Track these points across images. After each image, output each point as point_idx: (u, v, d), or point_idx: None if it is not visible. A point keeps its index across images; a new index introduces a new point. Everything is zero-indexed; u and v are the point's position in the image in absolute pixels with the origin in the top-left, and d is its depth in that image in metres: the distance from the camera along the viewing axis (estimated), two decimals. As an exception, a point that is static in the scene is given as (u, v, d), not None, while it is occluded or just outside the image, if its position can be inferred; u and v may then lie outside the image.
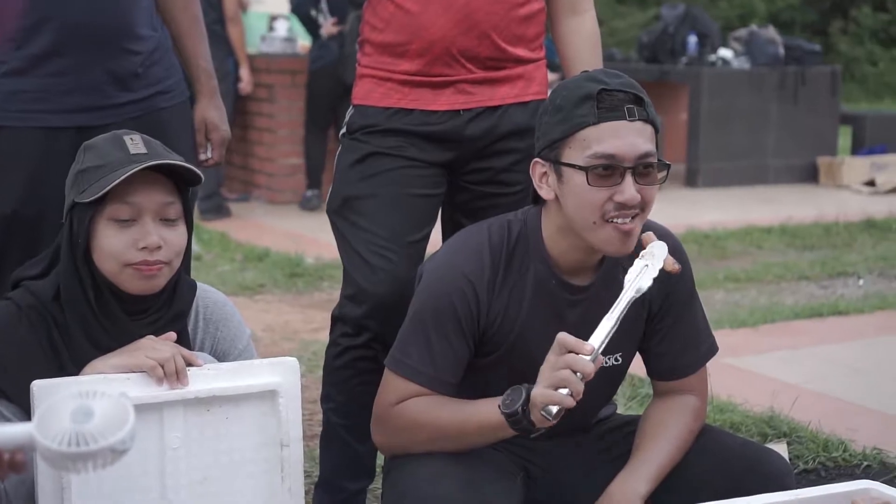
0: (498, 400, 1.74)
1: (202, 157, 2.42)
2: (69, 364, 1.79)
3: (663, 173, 1.78)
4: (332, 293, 4.57)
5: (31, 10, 2.12)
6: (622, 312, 1.71)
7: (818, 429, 2.98)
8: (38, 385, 1.67)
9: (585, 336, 1.87)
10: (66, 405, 1.23)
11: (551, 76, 4.04)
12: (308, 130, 6.93)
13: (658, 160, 1.77)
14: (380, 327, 2.17)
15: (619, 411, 2.21)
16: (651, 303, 1.92)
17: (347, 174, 2.26)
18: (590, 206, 1.75)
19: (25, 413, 1.70)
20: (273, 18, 7.71)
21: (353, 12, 6.40)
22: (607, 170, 1.74)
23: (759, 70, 8.27)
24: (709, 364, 1.99)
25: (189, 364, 1.77)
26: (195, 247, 2.25)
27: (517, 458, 1.93)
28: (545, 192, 1.82)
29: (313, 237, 5.76)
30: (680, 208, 6.86)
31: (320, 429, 2.37)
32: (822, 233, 6.27)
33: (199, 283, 1.95)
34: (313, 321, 4.28)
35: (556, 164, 1.78)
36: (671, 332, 1.93)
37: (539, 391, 1.66)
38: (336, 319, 2.27)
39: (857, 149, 8.81)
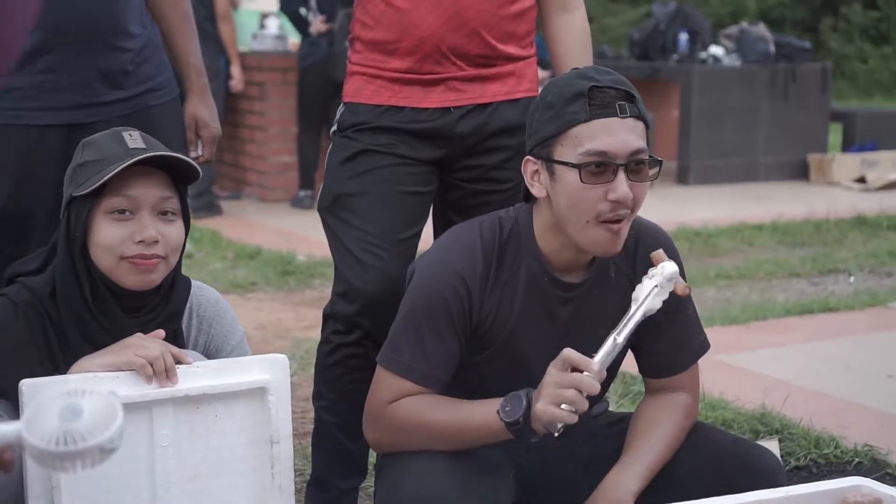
0: (495, 403, 1.74)
1: (192, 154, 2.41)
2: (63, 361, 1.79)
3: (655, 170, 1.78)
4: (324, 291, 4.56)
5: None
6: (630, 332, 1.70)
7: (810, 426, 2.98)
8: (26, 384, 1.66)
9: (578, 334, 1.87)
10: (55, 404, 1.22)
11: (542, 73, 4.04)
12: (301, 129, 6.92)
13: (650, 156, 1.77)
14: (371, 325, 2.17)
15: (611, 408, 2.21)
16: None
17: (338, 172, 2.25)
18: (582, 203, 1.74)
19: (18, 410, 1.69)
20: (264, 16, 7.70)
21: (343, 10, 6.40)
22: (599, 167, 1.74)
23: (750, 67, 8.28)
24: (700, 361, 1.99)
25: (178, 362, 1.77)
26: (187, 245, 2.23)
27: (509, 454, 1.92)
28: (537, 190, 1.82)
29: (305, 235, 5.76)
30: (671, 205, 6.87)
31: (312, 427, 2.36)
32: (812, 230, 6.28)
33: (192, 281, 1.94)
34: (305, 319, 4.27)
35: (548, 161, 1.78)
36: (663, 330, 1.93)
37: (543, 408, 1.66)
38: (327, 317, 2.27)
39: (848, 146, 8.84)
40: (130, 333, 1.79)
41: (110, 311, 1.82)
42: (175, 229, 1.84)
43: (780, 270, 5.26)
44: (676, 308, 1.94)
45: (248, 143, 7.26)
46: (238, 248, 5.55)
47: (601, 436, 1.99)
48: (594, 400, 2.02)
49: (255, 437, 1.81)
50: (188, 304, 1.92)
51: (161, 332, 1.78)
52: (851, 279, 5.17)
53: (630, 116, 1.75)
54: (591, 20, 2.41)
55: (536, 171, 1.81)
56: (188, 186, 1.91)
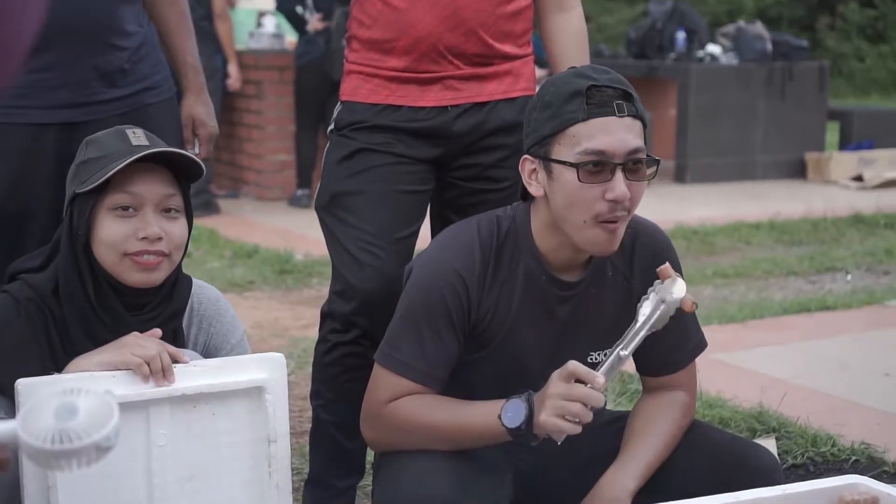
0: (496, 406, 1.74)
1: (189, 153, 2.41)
2: (65, 359, 1.78)
3: (653, 169, 1.78)
4: (322, 290, 4.56)
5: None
6: (635, 347, 1.70)
7: (807, 424, 2.99)
8: (22, 383, 1.65)
9: (575, 332, 1.88)
10: (50, 402, 1.22)
11: (539, 72, 4.04)
12: (299, 128, 6.92)
13: (647, 156, 1.77)
14: (369, 324, 2.17)
15: (609, 407, 2.21)
16: (641, 296, 1.91)
17: (335, 171, 2.25)
18: (580, 203, 1.74)
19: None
20: (261, 14, 7.69)
21: (340, 8, 6.40)
22: (597, 166, 1.74)
23: (747, 66, 8.29)
24: (698, 360, 1.99)
25: (175, 361, 1.76)
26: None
27: (507, 454, 1.92)
28: (534, 189, 1.81)
29: (302, 234, 5.76)
30: (668, 204, 6.87)
31: (310, 425, 2.36)
32: (810, 228, 6.29)
33: (193, 279, 1.94)
34: (303, 318, 4.27)
35: (546, 160, 1.78)
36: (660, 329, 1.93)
37: (547, 419, 1.67)
38: (325, 316, 2.27)
39: (845, 144, 8.85)
40: (132, 331, 1.78)
41: (113, 308, 1.81)
42: (178, 227, 1.84)
43: (777, 269, 5.27)
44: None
45: (245, 142, 7.25)
46: (235, 247, 5.54)
47: (599, 434, 1.99)
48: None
49: (253, 436, 1.81)
50: (188, 303, 1.91)
51: (158, 332, 1.78)
52: (849, 277, 5.18)
53: (628, 116, 1.75)
54: (587, 19, 2.41)
55: (534, 169, 1.81)
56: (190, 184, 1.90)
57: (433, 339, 1.80)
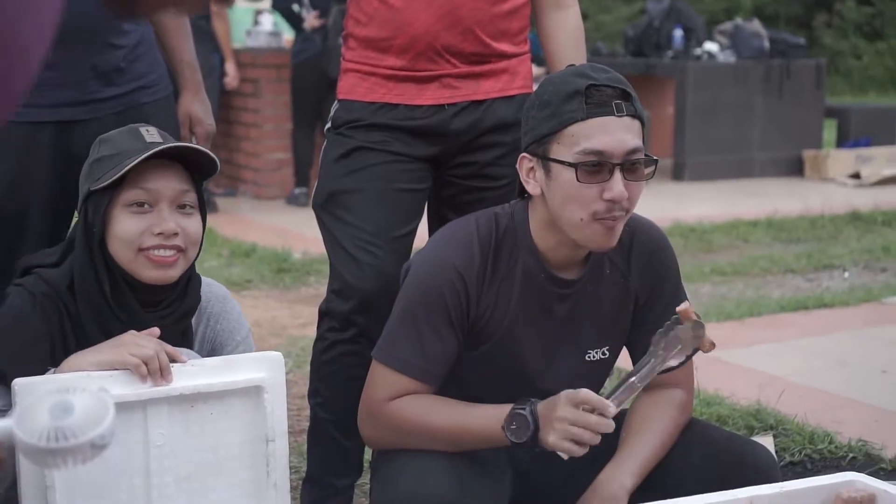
0: (498, 411, 1.74)
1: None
2: None
3: (651, 169, 1.78)
4: (320, 288, 4.56)
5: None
6: (648, 380, 1.71)
7: (804, 421, 2.99)
8: (19, 383, 1.65)
9: (573, 330, 1.88)
10: (45, 401, 1.22)
11: (537, 70, 4.05)
12: (295, 126, 6.92)
13: (646, 155, 1.77)
14: (367, 322, 2.17)
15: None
16: (638, 294, 1.92)
17: (332, 169, 2.25)
18: (578, 202, 1.74)
19: None
20: (258, 13, 7.69)
21: (337, 6, 6.40)
22: (596, 166, 1.74)
23: (745, 63, 8.29)
24: (695, 357, 1.99)
25: (172, 360, 1.76)
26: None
27: (505, 453, 1.92)
28: (532, 188, 1.81)
29: (300, 232, 5.75)
30: (666, 202, 6.87)
31: (308, 424, 2.36)
32: (807, 226, 6.29)
33: (202, 277, 1.94)
34: (301, 316, 4.27)
35: (544, 159, 1.78)
36: (657, 326, 1.93)
37: (556, 442, 1.68)
38: (323, 314, 2.27)
39: (842, 142, 8.85)
40: (147, 327, 1.78)
41: (128, 305, 1.81)
42: (193, 222, 1.84)
43: (774, 266, 5.27)
44: (671, 303, 1.94)
45: (242, 141, 7.25)
46: (233, 246, 5.54)
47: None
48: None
49: (251, 436, 1.80)
50: None
51: (156, 331, 1.78)
52: (846, 275, 5.18)
53: (627, 115, 1.75)
54: (585, 17, 2.42)
55: (532, 168, 1.81)
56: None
57: (432, 336, 1.80)
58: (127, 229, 1.79)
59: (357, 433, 1.92)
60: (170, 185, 1.81)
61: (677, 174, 8.10)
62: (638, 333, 1.94)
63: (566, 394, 1.69)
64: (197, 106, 2.41)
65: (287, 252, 5.30)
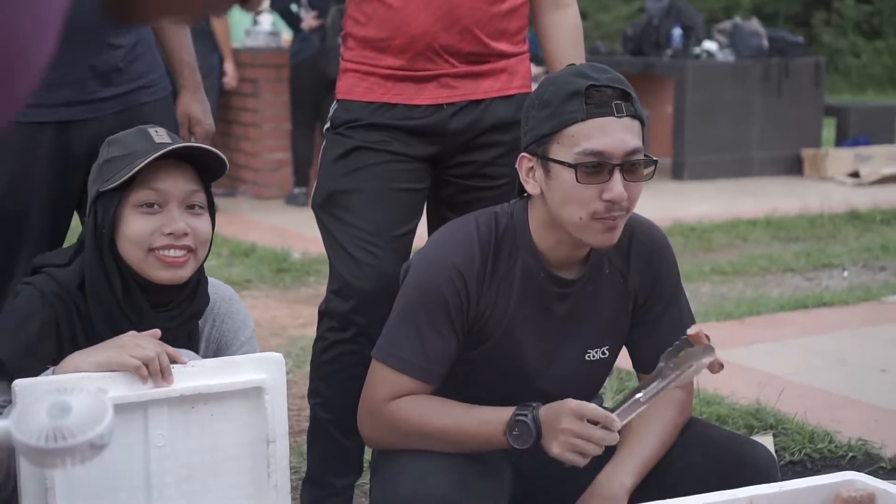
0: (500, 415, 1.75)
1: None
2: None
3: (650, 169, 1.78)
4: (319, 288, 4.56)
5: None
6: (654, 399, 1.72)
7: (804, 420, 2.99)
8: (19, 384, 1.65)
9: (573, 330, 1.88)
10: (44, 401, 1.22)
11: (536, 69, 4.05)
12: (294, 126, 6.91)
13: (645, 156, 1.77)
14: (366, 322, 2.17)
15: (608, 405, 2.21)
16: (637, 294, 1.92)
17: (332, 169, 2.25)
18: (577, 202, 1.74)
19: None
20: (257, 12, 7.68)
21: (335, 6, 6.39)
22: (596, 167, 1.74)
23: (744, 62, 8.29)
24: (695, 357, 1.99)
25: (173, 361, 1.76)
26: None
27: (504, 453, 1.93)
28: (531, 187, 1.81)
29: (299, 232, 5.75)
30: (666, 201, 6.87)
31: (307, 424, 2.36)
32: (806, 224, 6.29)
33: (209, 278, 1.95)
34: (300, 316, 4.26)
35: (544, 159, 1.78)
36: (657, 326, 1.93)
37: (561, 453, 1.70)
38: (323, 314, 2.27)
39: (841, 140, 8.85)
40: (156, 327, 1.79)
41: (139, 305, 1.82)
42: (203, 222, 1.84)
43: (774, 265, 5.27)
44: (670, 302, 1.94)
45: (242, 141, 7.25)
46: (233, 246, 5.54)
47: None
48: (589, 396, 2.03)
49: (251, 437, 1.80)
50: None
51: (157, 332, 1.78)
52: (845, 274, 5.18)
53: (626, 116, 1.75)
54: (584, 16, 2.42)
55: (531, 168, 1.81)
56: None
57: (432, 335, 1.80)
58: (137, 230, 1.79)
59: (357, 433, 1.92)
60: (179, 185, 1.81)
61: (676, 173, 8.10)
62: (637, 333, 1.95)
63: (572, 407, 1.69)
64: (196, 106, 2.41)
65: (286, 252, 5.30)
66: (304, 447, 2.40)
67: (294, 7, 6.80)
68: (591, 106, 1.74)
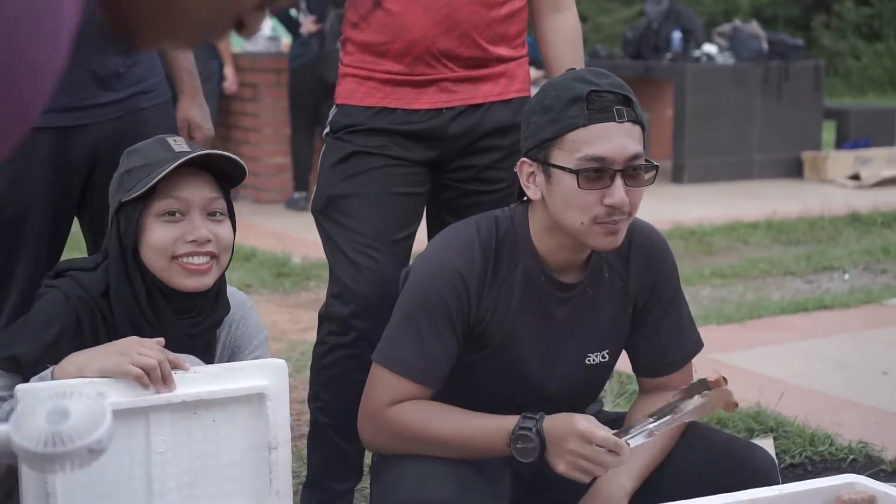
0: (502, 424, 1.75)
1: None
2: None
3: (651, 174, 1.78)
4: (320, 293, 4.55)
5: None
6: (664, 429, 1.72)
7: (804, 423, 2.99)
8: (21, 389, 1.65)
9: (573, 334, 1.88)
10: (43, 406, 1.22)
11: (536, 73, 4.05)
12: (293, 130, 6.92)
13: (646, 161, 1.77)
14: (366, 326, 2.17)
15: (608, 408, 2.21)
16: (637, 297, 1.92)
17: (331, 173, 2.26)
18: (579, 207, 1.74)
19: None
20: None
21: (333, 10, 6.40)
22: (597, 172, 1.74)
23: (743, 65, 8.29)
24: (696, 360, 1.99)
25: (176, 367, 1.76)
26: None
27: (505, 457, 1.92)
28: (532, 192, 1.81)
29: (300, 237, 5.75)
30: (666, 204, 6.88)
31: (307, 429, 2.36)
32: (807, 227, 6.29)
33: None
34: (301, 321, 4.26)
35: (545, 164, 1.78)
36: (656, 329, 1.93)
37: (566, 470, 1.70)
38: (323, 318, 2.27)
39: (842, 143, 8.85)
40: (178, 335, 1.81)
41: (163, 313, 1.83)
42: (225, 229, 1.86)
43: (774, 268, 5.27)
44: (670, 306, 1.94)
45: (241, 145, 7.25)
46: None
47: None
48: (589, 400, 2.03)
49: (253, 443, 1.80)
50: None
51: (161, 340, 1.78)
52: (846, 276, 5.18)
53: (627, 121, 1.75)
54: (583, 19, 2.42)
55: (532, 173, 1.81)
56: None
57: (433, 338, 1.80)
58: (160, 238, 1.81)
59: (357, 437, 1.91)
60: (200, 192, 1.83)
61: (677, 176, 8.10)
62: (637, 336, 1.95)
63: (581, 431, 1.69)
64: (195, 111, 2.42)
65: (287, 256, 5.30)
66: (304, 452, 2.40)
67: (293, 12, 6.80)
68: (593, 111, 1.74)
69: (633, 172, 1.75)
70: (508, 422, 1.75)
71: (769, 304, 4.54)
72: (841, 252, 5.64)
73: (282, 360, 1.83)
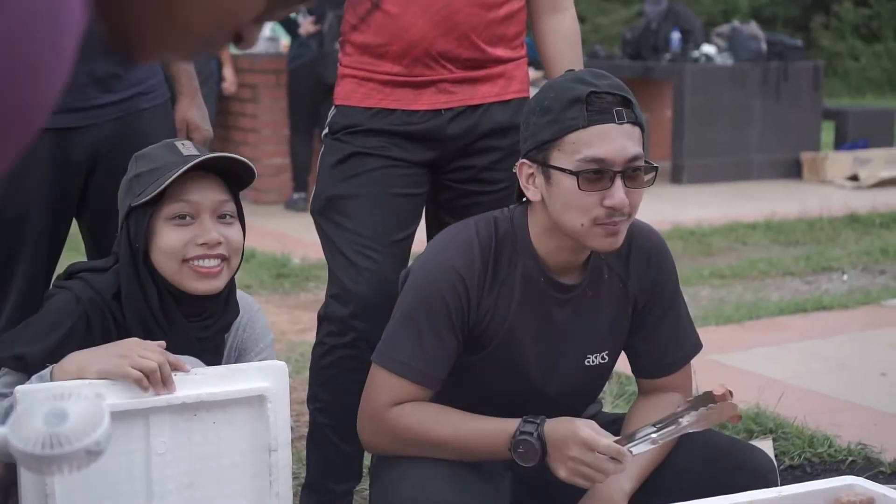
0: (503, 427, 1.75)
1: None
2: None
3: (651, 175, 1.78)
4: (319, 293, 4.55)
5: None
6: (667, 439, 1.72)
7: (804, 425, 2.99)
8: (20, 390, 1.65)
9: (573, 336, 1.88)
10: (40, 407, 1.22)
11: (534, 73, 4.05)
12: (293, 131, 6.92)
13: (646, 162, 1.77)
14: (365, 326, 2.17)
15: (608, 409, 2.21)
16: (636, 299, 1.92)
17: (330, 174, 2.26)
18: (579, 209, 1.74)
19: None
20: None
21: (332, 11, 6.40)
22: (597, 174, 1.74)
23: (742, 66, 8.30)
24: (695, 361, 1.99)
25: (176, 369, 1.76)
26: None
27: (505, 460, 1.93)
28: (532, 194, 1.81)
29: (299, 237, 5.75)
30: (665, 205, 6.88)
31: (306, 430, 2.36)
32: (806, 228, 6.29)
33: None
34: (300, 322, 4.26)
35: (545, 166, 1.78)
36: (655, 330, 1.93)
37: (567, 476, 1.70)
38: (322, 319, 2.27)
39: (840, 144, 8.86)
40: (189, 337, 1.82)
41: (174, 316, 1.84)
42: (235, 231, 1.86)
43: (773, 269, 5.27)
44: (669, 306, 1.94)
45: (241, 146, 7.25)
46: (232, 251, 5.53)
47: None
48: (588, 401, 2.03)
49: (254, 445, 1.80)
50: None
51: (163, 343, 1.78)
52: (845, 277, 5.18)
53: (627, 122, 1.75)
54: (582, 19, 2.42)
55: (532, 174, 1.81)
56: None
57: (433, 339, 1.80)
58: (170, 242, 1.81)
59: (356, 438, 1.91)
60: (210, 195, 1.84)
61: (676, 177, 8.10)
62: (636, 337, 1.95)
63: (584, 438, 1.69)
64: (194, 112, 2.42)
65: (286, 257, 5.30)
66: (304, 453, 2.40)
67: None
68: (593, 113, 1.74)
69: (632, 174, 1.75)
70: (509, 425, 1.75)
71: (768, 304, 4.54)
72: (840, 253, 5.64)
73: (282, 362, 1.83)
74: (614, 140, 1.73)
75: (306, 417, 2.38)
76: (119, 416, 1.62)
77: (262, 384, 1.79)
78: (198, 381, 1.76)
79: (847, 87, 16.63)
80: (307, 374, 2.36)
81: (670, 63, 8.42)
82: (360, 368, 2.05)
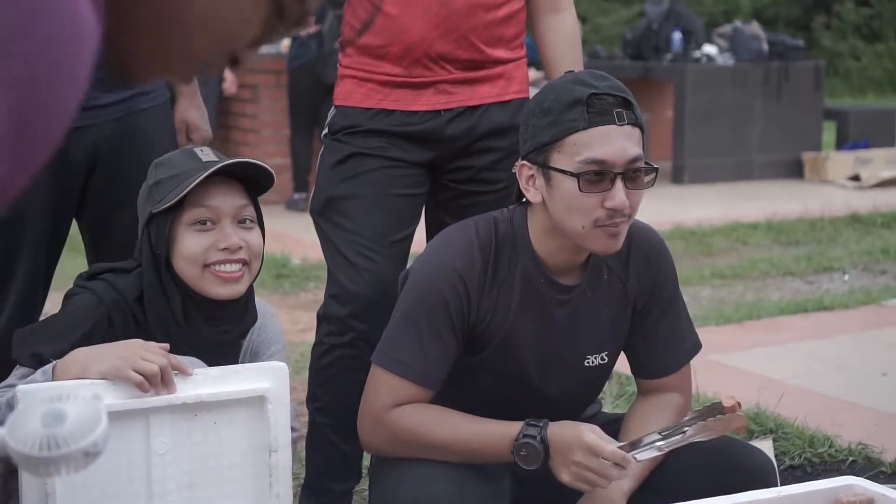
0: (505, 430, 1.75)
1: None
2: None
3: (651, 176, 1.78)
4: (319, 294, 4.55)
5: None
6: (673, 447, 1.72)
7: (804, 425, 2.99)
8: (21, 390, 1.65)
9: (573, 336, 1.88)
10: (38, 408, 1.22)
11: (534, 74, 4.05)
12: (293, 131, 6.92)
13: (646, 163, 1.77)
14: (365, 326, 2.17)
15: (607, 410, 2.21)
16: (636, 299, 1.92)
17: (330, 175, 2.26)
18: (580, 211, 1.74)
19: None
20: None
21: (332, 11, 6.40)
22: (598, 175, 1.74)
23: (743, 66, 8.29)
24: (695, 361, 1.99)
25: (178, 371, 1.76)
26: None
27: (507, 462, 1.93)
28: (532, 195, 1.81)
29: (299, 238, 5.75)
30: (666, 205, 6.87)
31: (306, 430, 2.36)
32: (807, 228, 6.29)
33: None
34: (300, 322, 4.26)
35: (545, 168, 1.78)
36: (655, 331, 1.93)
37: (570, 481, 1.71)
38: (321, 319, 2.27)
39: (842, 144, 8.85)
40: (209, 341, 1.84)
41: (195, 322, 1.86)
42: (255, 236, 1.88)
43: (774, 269, 5.27)
44: (668, 307, 1.94)
45: (241, 146, 7.25)
46: (232, 251, 5.53)
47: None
48: (588, 402, 2.03)
49: (254, 445, 1.80)
50: None
51: (166, 346, 1.78)
52: (846, 277, 5.18)
53: (627, 123, 1.75)
54: (583, 20, 2.43)
55: (532, 176, 1.80)
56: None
57: (433, 339, 1.80)
58: (192, 247, 1.83)
59: (356, 438, 1.91)
60: (230, 201, 1.85)
61: (676, 177, 8.10)
62: (636, 338, 1.95)
63: (588, 443, 1.69)
64: (193, 112, 2.42)
65: (286, 257, 5.30)
66: (303, 453, 2.40)
67: (293, 12, 6.80)
68: (593, 114, 1.74)
69: (633, 175, 1.75)
70: (512, 428, 1.75)
71: (769, 304, 4.54)
72: (841, 253, 5.64)
73: (283, 364, 1.83)
74: (615, 141, 1.73)
75: (306, 417, 2.38)
76: (119, 416, 1.63)
77: (263, 385, 1.79)
78: (198, 381, 1.76)
79: (848, 87, 16.63)
80: (307, 374, 2.36)
81: (671, 63, 8.41)
82: (359, 368, 2.05)
